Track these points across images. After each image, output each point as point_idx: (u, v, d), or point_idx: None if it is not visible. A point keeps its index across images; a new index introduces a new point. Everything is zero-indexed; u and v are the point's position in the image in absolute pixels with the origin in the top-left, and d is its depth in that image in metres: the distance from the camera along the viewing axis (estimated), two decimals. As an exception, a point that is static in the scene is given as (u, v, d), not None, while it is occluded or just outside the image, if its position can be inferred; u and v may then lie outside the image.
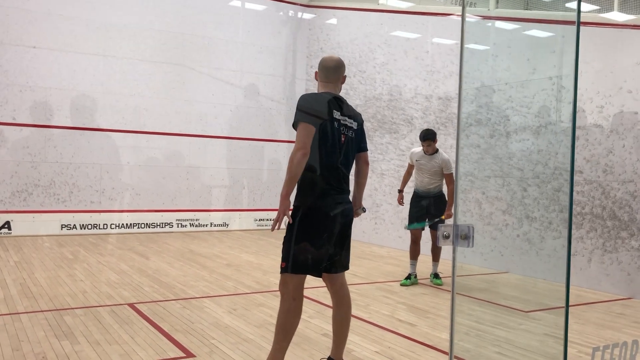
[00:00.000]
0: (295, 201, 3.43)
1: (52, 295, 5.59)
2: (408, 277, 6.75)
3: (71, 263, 7.33)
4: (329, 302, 5.66)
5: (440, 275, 6.91)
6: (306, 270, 3.38)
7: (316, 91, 3.57)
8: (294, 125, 3.31)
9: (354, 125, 3.56)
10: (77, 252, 8.25)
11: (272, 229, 3.30)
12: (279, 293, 5.96)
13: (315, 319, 5.04)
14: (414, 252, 6.83)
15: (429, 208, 6.71)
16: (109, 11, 10.45)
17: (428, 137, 6.50)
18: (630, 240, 6.39)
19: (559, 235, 6.85)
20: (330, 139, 3.35)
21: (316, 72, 3.60)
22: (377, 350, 4.21)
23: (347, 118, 3.49)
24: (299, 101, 3.36)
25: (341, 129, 3.44)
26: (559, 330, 4.65)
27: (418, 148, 6.91)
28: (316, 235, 3.35)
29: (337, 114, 3.41)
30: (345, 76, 3.63)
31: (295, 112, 3.34)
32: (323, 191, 3.38)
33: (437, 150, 6.62)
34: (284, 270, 3.39)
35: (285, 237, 3.41)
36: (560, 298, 5.31)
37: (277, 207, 3.37)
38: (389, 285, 6.65)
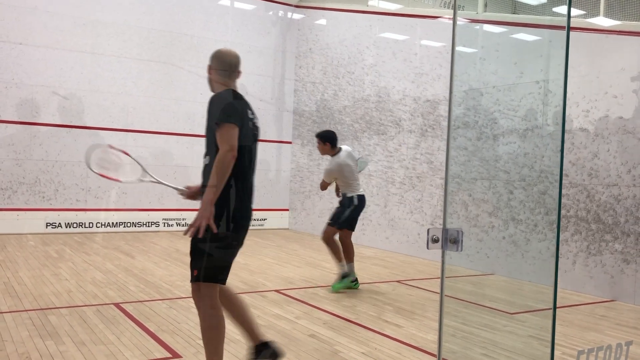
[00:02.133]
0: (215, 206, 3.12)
1: (36, 294, 5.53)
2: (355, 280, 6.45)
3: (56, 262, 7.26)
4: (317, 303, 5.66)
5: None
6: (222, 279, 3.26)
7: (218, 88, 3.34)
8: (213, 126, 3.12)
9: (258, 125, 3.46)
10: (62, 250, 8.17)
11: (189, 234, 3.03)
12: (266, 294, 5.97)
13: (302, 319, 5.04)
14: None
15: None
16: (97, 8, 10.37)
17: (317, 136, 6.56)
18: (614, 243, 6.47)
19: (544, 238, 6.91)
20: (248, 141, 3.24)
21: (210, 67, 3.38)
22: (363, 352, 4.22)
23: (255, 117, 3.39)
24: (216, 100, 3.18)
25: (254, 129, 3.35)
26: (544, 332, 4.70)
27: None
28: (233, 241, 3.24)
29: (250, 114, 3.29)
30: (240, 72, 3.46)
31: (215, 112, 3.14)
32: (243, 197, 3.27)
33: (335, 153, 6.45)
34: (195, 278, 3.21)
35: (199, 244, 3.18)
36: (545, 300, 5.35)
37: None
38: (376, 286, 6.67)
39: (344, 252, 6.43)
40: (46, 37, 9.94)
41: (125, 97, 10.62)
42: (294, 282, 6.72)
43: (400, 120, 9.60)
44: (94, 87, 10.34)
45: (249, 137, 3.26)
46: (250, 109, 3.32)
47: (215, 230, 3.06)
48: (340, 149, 6.49)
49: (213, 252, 3.17)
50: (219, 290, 3.31)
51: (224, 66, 3.37)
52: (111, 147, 4.38)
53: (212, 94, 3.36)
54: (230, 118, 3.11)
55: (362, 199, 6.53)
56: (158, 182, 3.90)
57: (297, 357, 4.05)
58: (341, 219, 6.42)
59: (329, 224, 6.45)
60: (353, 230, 6.53)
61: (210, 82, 3.44)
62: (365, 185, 10.23)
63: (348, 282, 6.34)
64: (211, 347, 3.20)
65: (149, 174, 4.07)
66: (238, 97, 3.26)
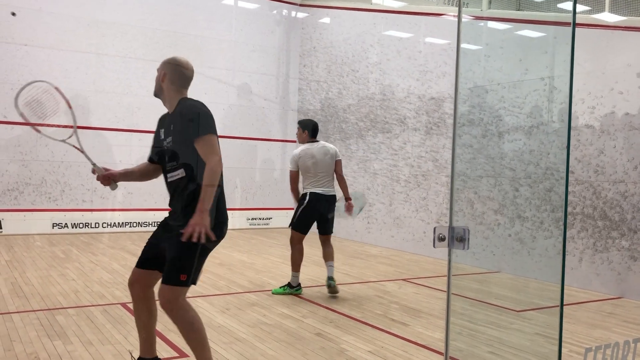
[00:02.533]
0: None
1: (44, 294, 5.56)
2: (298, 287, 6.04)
3: (63, 262, 7.29)
4: (323, 302, 5.66)
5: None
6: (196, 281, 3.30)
7: (174, 96, 3.27)
8: (197, 135, 3.07)
9: None
10: (68, 251, 8.21)
11: (184, 238, 3.01)
12: (268, 293, 5.97)
13: (309, 318, 5.05)
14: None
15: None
16: (100, 8, 10.39)
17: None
18: (621, 240, 6.44)
19: (550, 235, 6.89)
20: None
21: (164, 74, 3.26)
22: (370, 350, 4.22)
23: None
24: (197, 110, 3.13)
25: None
26: (551, 329, 4.69)
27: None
28: (213, 246, 3.27)
29: None
30: None
31: (200, 122, 3.10)
32: (225, 204, 3.30)
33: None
34: (181, 283, 3.14)
35: (190, 248, 3.13)
36: (552, 297, 5.35)
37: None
38: (382, 285, 6.66)
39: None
40: (51, 38, 9.97)
41: (130, 97, 10.65)
42: (300, 280, 6.73)
43: (405, 118, 9.58)
44: (98, 87, 10.37)
45: None
46: None
47: (213, 238, 3.09)
48: (318, 141, 6.08)
49: (201, 257, 3.20)
50: (150, 291, 3.41)
51: (182, 75, 3.29)
52: (57, 89, 4.25)
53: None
54: (213, 128, 3.12)
55: (317, 197, 5.87)
56: (79, 150, 3.83)
57: (304, 355, 4.05)
58: (293, 218, 6.01)
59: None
60: (304, 234, 5.95)
61: (163, 90, 3.30)
62: (370, 184, 10.22)
63: (293, 291, 5.96)
64: (199, 346, 3.19)
65: (77, 138, 3.98)
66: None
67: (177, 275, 3.14)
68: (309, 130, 6.12)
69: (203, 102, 3.24)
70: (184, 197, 3.19)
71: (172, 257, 3.17)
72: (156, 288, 3.35)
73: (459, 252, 2.32)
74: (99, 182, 3.72)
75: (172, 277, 3.14)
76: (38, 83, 4.13)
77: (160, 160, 3.41)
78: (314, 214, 5.89)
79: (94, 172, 3.60)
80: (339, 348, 4.25)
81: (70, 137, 3.95)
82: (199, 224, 3.01)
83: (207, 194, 3.04)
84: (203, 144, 3.08)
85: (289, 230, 6.10)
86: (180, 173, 3.21)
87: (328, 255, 5.98)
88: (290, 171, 6.06)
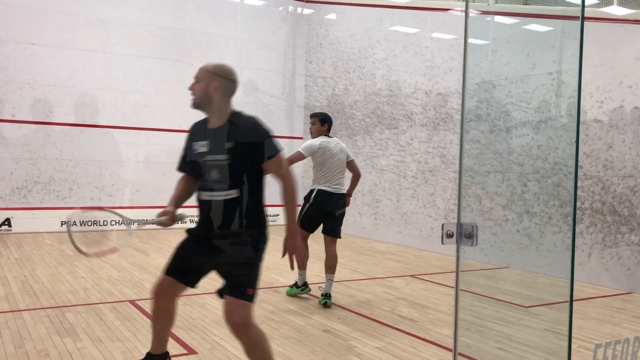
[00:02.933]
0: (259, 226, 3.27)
1: (53, 292, 5.59)
2: (305, 286, 5.82)
3: (72, 260, 7.33)
4: (333, 300, 5.66)
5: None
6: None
7: (225, 107, 3.24)
8: (272, 154, 3.04)
9: None
10: (77, 249, 8.24)
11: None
12: (280, 290, 5.98)
13: (317, 315, 5.05)
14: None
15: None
16: (107, 7, 10.42)
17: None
18: (630, 235, 6.40)
19: (558, 230, 6.85)
20: None
21: (218, 85, 3.19)
22: (378, 346, 4.22)
23: None
24: (265, 128, 3.09)
25: None
26: (560, 325, 4.67)
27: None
28: None
29: None
30: None
31: (272, 141, 3.06)
32: None
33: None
34: (251, 298, 2.99)
35: (255, 264, 3.13)
36: (561, 293, 5.32)
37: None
38: (390, 281, 6.66)
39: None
40: (58, 37, 10.00)
41: (137, 95, 10.68)
42: (307, 277, 6.73)
43: (412, 114, 9.55)
44: (105, 85, 10.40)
45: None
46: None
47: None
48: (332, 137, 5.82)
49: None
50: (176, 302, 3.34)
51: (231, 84, 3.25)
52: (84, 210, 4.12)
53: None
54: (279, 145, 3.09)
55: (326, 195, 5.55)
56: (144, 224, 3.78)
57: (312, 352, 4.06)
58: (299, 215, 5.62)
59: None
60: (309, 232, 5.65)
61: (212, 101, 3.19)
62: (377, 180, 10.20)
63: (299, 291, 5.78)
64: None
65: (129, 222, 3.81)
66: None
67: (246, 290, 3.02)
68: (328, 124, 5.79)
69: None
70: (238, 217, 3.09)
71: (240, 274, 3.06)
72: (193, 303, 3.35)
73: (467, 248, 2.32)
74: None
75: (243, 292, 2.99)
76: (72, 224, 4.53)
77: (197, 174, 3.22)
78: (321, 212, 5.58)
79: (162, 224, 3.53)
80: (347, 344, 4.25)
81: (129, 228, 3.83)
82: (297, 248, 3.11)
83: (294, 214, 3.12)
84: (279, 163, 3.05)
85: None
86: (234, 193, 3.06)
87: (329, 267, 5.53)
88: (300, 154, 5.52)
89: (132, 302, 5.32)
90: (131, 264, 7.16)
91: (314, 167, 5.70)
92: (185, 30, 11.13)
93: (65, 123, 10.06)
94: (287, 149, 12.24)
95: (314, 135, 5.76)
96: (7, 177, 9.61)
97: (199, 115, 3.45)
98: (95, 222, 10.26)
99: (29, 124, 9.82)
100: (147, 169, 10.74)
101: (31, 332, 4.32)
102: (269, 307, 5.29)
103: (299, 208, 5.79)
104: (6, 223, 9.55)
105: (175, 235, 10.69)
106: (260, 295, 5.75)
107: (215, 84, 3.16)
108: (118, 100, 10.50)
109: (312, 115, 5.90)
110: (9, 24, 9.62)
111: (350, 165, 5.81)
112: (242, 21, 11.78)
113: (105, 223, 10.32)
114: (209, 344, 4.18)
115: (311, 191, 5.69)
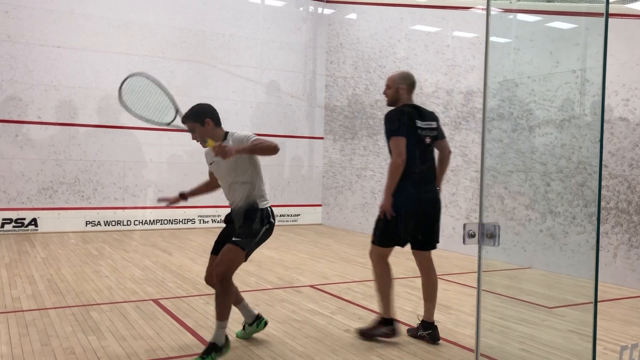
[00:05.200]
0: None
1: (78, 291, 5.69)
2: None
3: (96, 259, 7.44)
4: (351, 298, 5.66)
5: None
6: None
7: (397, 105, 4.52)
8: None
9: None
10: (102, 248, 8.37)
11: None
12: (301, 289, 6.00)
13: (338, 315, 5.05)
14: None
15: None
16: (130, 9, 10.55)
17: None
18: (657, 235, 6.28)
19: (583, 231, 6.76)
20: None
21: (401, 88, 4.53)
22: (399, 347, 4.21)
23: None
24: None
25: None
26: (584, 326, 4.60)
27: None
28: None
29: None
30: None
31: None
32: None
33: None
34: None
35: None
36: (585, 294, 5.24)
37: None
38: (411, 281, 6.63)
39: None
40: (82, 40, 10.16)
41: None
42: (328, 277, 6.74)
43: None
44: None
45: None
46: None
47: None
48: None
49: None
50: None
51: (412, 86, 4.59)
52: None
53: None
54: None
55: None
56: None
57: (334, 352, 4.06)
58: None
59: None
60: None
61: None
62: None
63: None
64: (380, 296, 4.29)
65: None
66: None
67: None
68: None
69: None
70: None
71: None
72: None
73: (489, 248, 2.30)
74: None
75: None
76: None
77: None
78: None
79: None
80: (368, 344, 4.25)
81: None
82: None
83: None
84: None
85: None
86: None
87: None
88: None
89: (155, 300, 5.38)
90: (154, 263, 7.24)
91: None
92: (206, 31, 11.21)
93: (89, 124, 10.22)
94: (307, 148, 12.29)
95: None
96: (33, 177, 9.79)
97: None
98: (119, 222, 10.40)
99: (54, 126, 9.99)
100: (170, 170, 10.86)
101: (57, 330, 4.40)
102: (290, 306, 5.30)
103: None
104: (33, 223, 9.73)
105: (198, 235, 10.89)
106: (281, 295, 5.78)
107: (400, 88, 4.53)
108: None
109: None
110: (34, 27, 9.80)
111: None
112: (262, 22, 11.83)
113: (128, 223, 10.46)
114: (231, 343, 4.20)
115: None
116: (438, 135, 4.48)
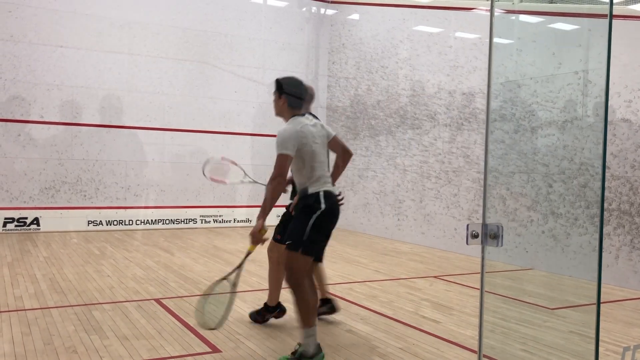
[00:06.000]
0: None
1: (80, 290, 5.69)
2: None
3: (98, 259, 7.45)
4: (354, 299, 5.66)
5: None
6: None
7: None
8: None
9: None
10: (103, 247, 8.38)
11: None
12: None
13: (339, 315, 5.05)
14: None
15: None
16: (133, 9, 10.57)
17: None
18: (659, 236, 6.28)
19: (585, 232, 6.75)
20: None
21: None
22: (401, 347, 4.21)
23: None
24: None
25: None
26: (586, 328, 4.60)
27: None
28: None
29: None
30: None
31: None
32: None
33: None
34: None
35: None
36: (587, 295, 5.24)
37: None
38: (413, 282, 6.63)
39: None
40: (85, 40, 10.18)
41: (162, 96, 10.81)
42: (330, 277, 6.74)
43: (436, 114, 9.50)
44: (131, 87, 10.55)
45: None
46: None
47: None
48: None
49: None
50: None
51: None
52: (223, 158, 5.61)
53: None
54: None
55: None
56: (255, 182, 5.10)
57: (335, 352, 4.06)
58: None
59: None
60: None
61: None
62: (400, 180, 10.17)
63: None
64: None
65: (249, 177, 5.31)
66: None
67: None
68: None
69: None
70: None
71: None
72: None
73: (492, 249, 2.30)
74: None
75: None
76: (211, 161, 5.57)
77: None
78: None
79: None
80: (370, 345, 4.25)
81: (244, 178, 5.28)
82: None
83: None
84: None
85: None
86: None
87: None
88: None
89: (157, 300, 5.39)
90: (156, 263, 7.25)
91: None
92: (209, 31, 11.23)
93: (92, 124, 10.23)
94: (309, 149, 12.28)
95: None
96: (36, 177, 9.81)
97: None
98: (120, 222, 10.42)
99: (56, 125, 10.01)
100: (172, 169, 10.87)
101: (59, 329, 4.41)
102: (292, 306, 5.29)
103: None
104: (35, 222, 9.75)
105: (199, 235, 10.91)
106: (283, 294, 5.77)
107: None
108: (143, 102, 10.64)
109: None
110: (37, 26, 9.82)
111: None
112: (265, 22, 11.85)
113: (130, 222, 10.47)
114: (233, 342, 4.21)
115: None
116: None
